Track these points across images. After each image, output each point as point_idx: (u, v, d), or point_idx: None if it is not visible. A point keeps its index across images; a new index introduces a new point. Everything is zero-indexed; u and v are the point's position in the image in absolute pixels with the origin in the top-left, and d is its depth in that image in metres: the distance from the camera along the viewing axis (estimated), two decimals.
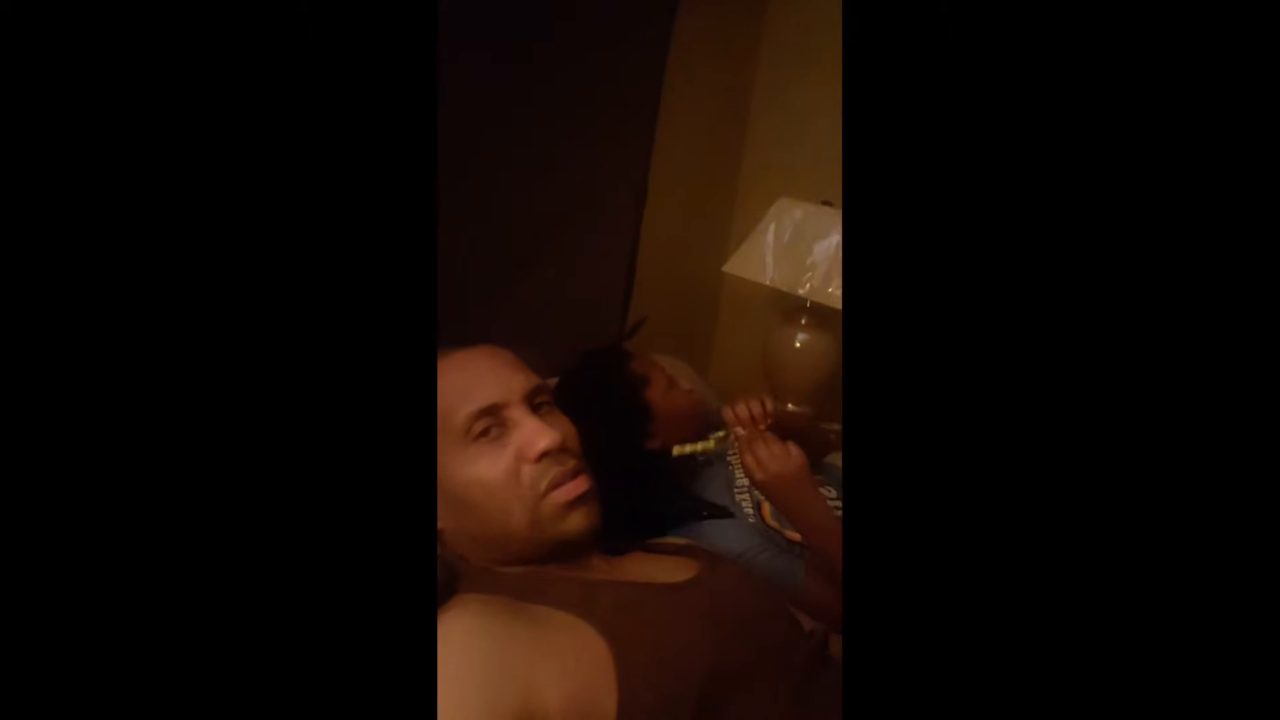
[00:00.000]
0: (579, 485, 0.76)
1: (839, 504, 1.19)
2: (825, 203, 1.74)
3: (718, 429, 1.12)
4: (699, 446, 1.12)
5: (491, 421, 0.76)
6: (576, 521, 0.75)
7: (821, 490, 1.05)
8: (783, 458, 0.97)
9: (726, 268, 1.80)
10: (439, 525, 0.79)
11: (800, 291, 1.71)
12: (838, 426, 1.65)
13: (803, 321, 1.79)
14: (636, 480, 1.10)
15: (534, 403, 0.79)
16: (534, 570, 0.76)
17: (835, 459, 1.36)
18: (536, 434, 0.75)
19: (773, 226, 1.76)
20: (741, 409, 1.11)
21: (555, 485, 0.75)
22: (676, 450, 1.12)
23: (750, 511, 1.21)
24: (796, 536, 1.15)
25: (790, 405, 1.80)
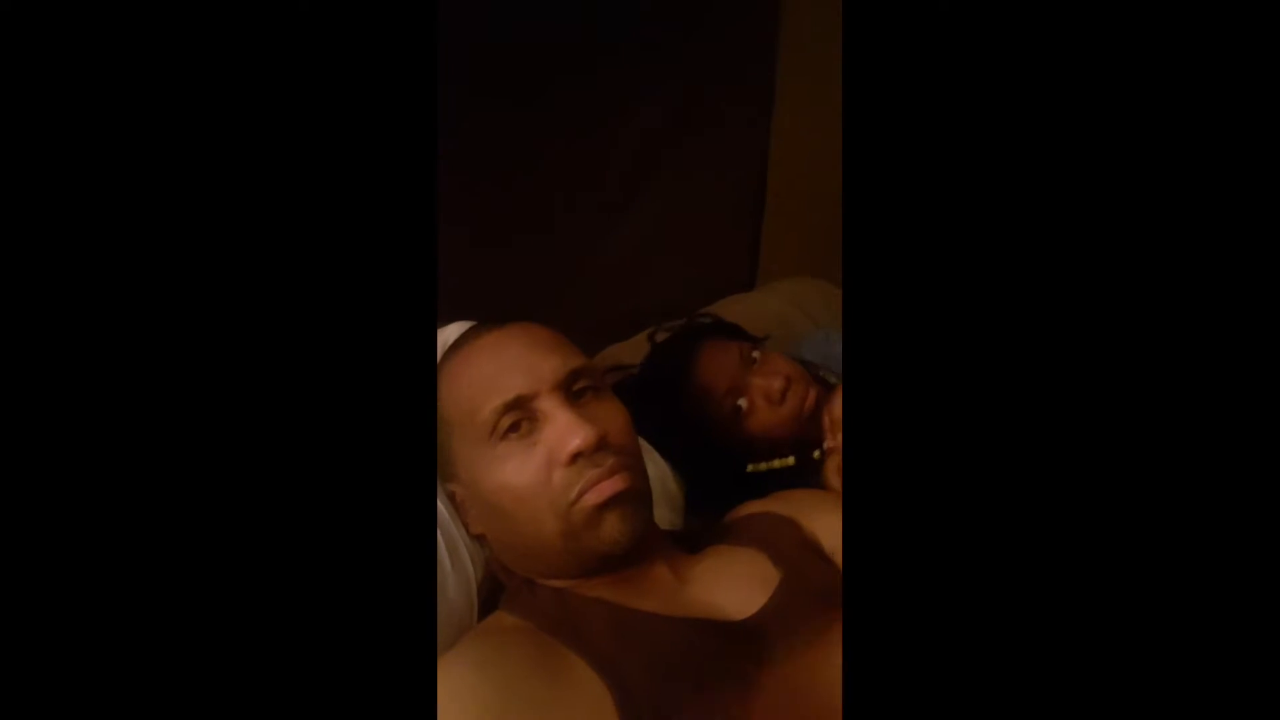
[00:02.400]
0: (614, 484, 0.65)
1: None
2: None
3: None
4: (776, 463, 0.96)
5: (520, 415, 0.66)
6: (611, 528, 0.65)
7: None
8: None
9: None
10: (479, 530, 0.73)
11: None
12: None
13: None
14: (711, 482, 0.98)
15: (572, 390, 0.68)
16: (583, 584, 0.68)
17: None
18: (568, 431, 0.64)
19: None
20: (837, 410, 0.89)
21: (586, 488, 0.64)
22: (751, 468, 0.97)
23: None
24: None
25: None
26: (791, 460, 0.95)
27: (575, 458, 0.64)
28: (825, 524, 0.74)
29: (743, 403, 1.00)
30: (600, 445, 0.65)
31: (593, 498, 0.64)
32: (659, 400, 0.98)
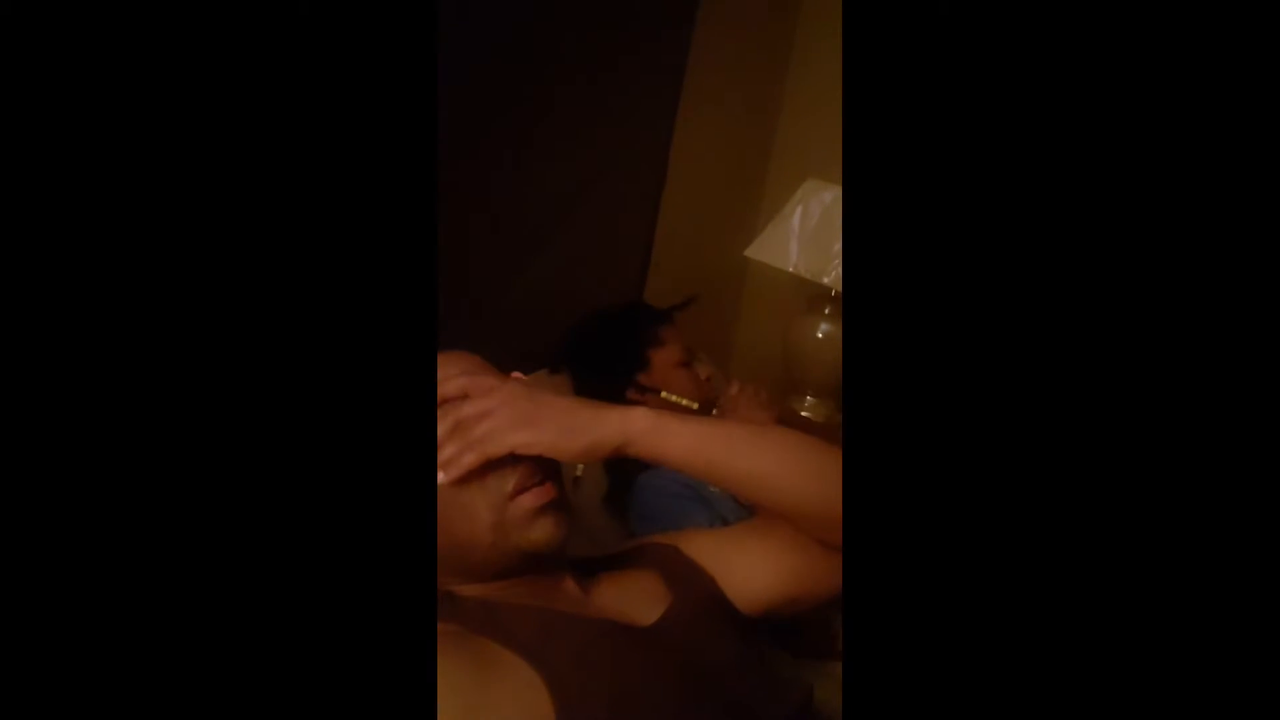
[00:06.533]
0: (546, 492, 0.71)
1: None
2: None
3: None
4: (683, 401, 1.29)
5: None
6: (543, 529, 0.70)
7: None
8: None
9: (749, 252, 1.73)
10: None
11: (825, 280, 1.63)
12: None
13: (826, 311, 1.72)
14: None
15: None
16: (497, 590, 0.72)
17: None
18: None
19: (800, 210, 1.69)
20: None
21: (521, 488, 0.70)
22: (664, 394, 1.29)
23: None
24: None
25: (809, 398, 1.74)
26: (695, 406, 1.29)
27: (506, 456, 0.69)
28: (699, 546, 0.83)
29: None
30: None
31: (530, 500, 0.69)
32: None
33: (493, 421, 0.68)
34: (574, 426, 0.69)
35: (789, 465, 0.71)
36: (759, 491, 0.72)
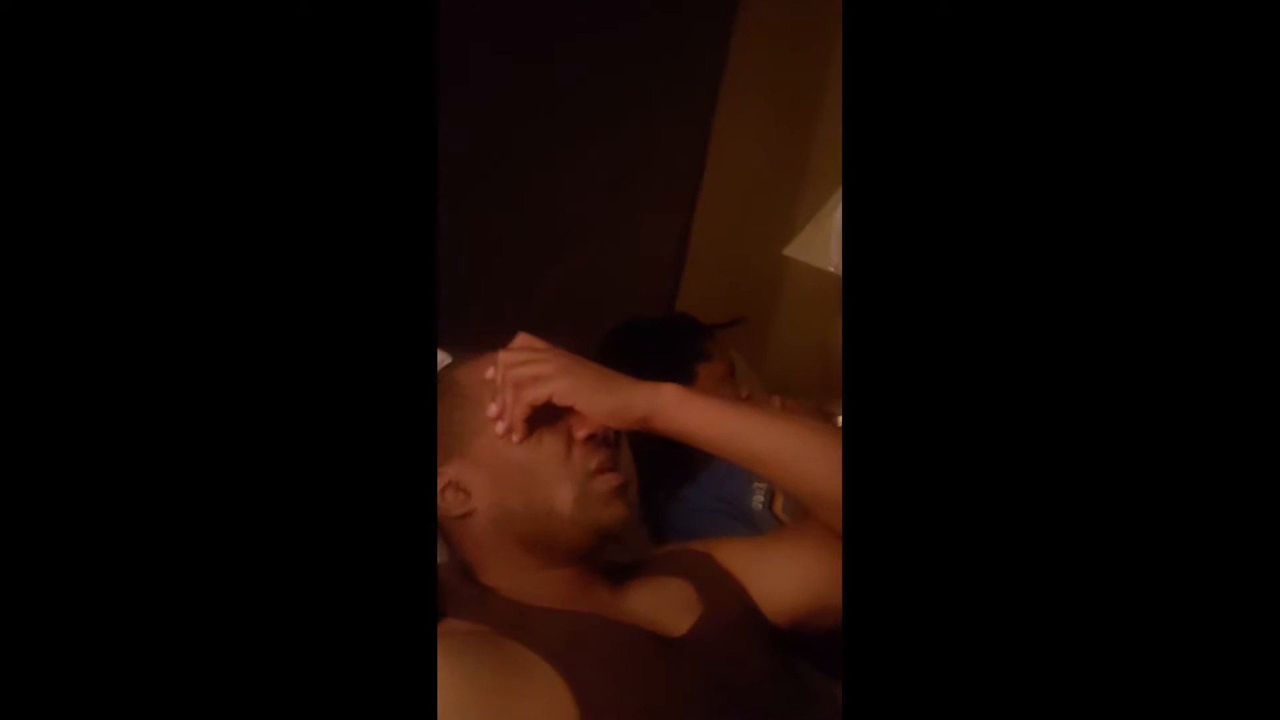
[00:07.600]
0: (620, 476, 0.75)
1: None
2: None
3: None
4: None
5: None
6: (617, 510, 0.74)
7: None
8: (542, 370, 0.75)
9: (788, 251, 1.70)
10: (471, 505, 0.76)
11: None
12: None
13: None
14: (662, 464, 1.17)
15: None
16: (537, 586, 0.72)
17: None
18: (583, 418, 0.74)
19: (840, 209, 1.66)
20: None
21: (602, 469, 0.74)
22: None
23: (761, 501, 1.24)
24: None
25: None
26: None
27: (588, 438, 0.74)
28: (731, 553, 0.84)
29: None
30: (603, 434, 0.75)
31: (609, 480, 0.73)
32: None
33: (539, 368, 0.71)
34: (609, 388, 0.73)
35: (808, 449, 0.73)
36: (776, 471, 0.75)
